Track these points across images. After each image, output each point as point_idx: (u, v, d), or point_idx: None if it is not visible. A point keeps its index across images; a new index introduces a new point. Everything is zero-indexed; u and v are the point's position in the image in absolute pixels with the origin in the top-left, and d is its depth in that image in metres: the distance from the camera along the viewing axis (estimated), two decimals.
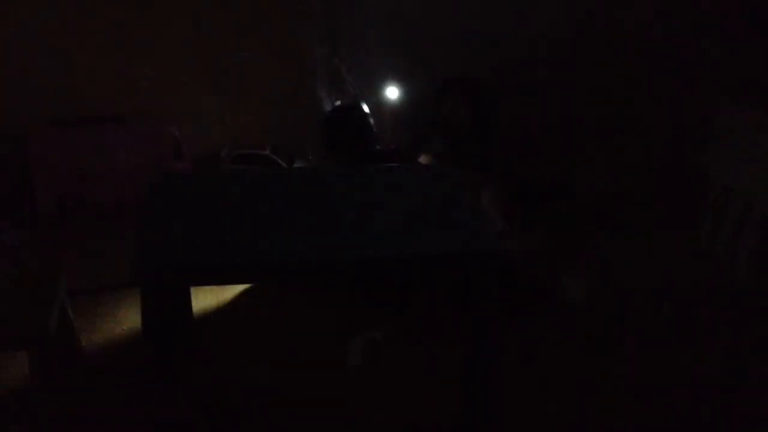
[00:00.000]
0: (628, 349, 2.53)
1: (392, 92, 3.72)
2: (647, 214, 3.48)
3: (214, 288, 3.04)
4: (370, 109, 3.60)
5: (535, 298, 2.98)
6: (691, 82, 3.70)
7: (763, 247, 2.42)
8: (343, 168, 3.13)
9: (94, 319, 2.84)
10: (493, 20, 3.66)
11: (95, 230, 3.44)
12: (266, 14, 3.63)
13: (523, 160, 3.72)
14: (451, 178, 2.34)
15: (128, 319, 2.84)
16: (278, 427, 2.36)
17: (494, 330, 1.96)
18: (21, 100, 3.53)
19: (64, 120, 3.54)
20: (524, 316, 2.88)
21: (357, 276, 2.99)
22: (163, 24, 3.56)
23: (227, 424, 2.35)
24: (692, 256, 2.56)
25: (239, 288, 3.07)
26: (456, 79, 3.63)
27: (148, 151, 3.54)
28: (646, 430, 2.37)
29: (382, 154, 3.53)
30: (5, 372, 2.50)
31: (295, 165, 3.64)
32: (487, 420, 2.04)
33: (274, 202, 2.15)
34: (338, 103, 3.68)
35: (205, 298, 2.98)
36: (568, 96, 3.77)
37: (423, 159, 3.54)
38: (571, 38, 3.69)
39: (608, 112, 3.78)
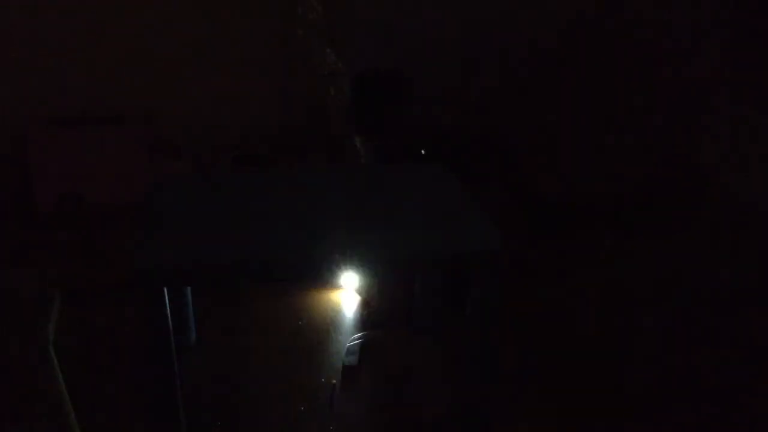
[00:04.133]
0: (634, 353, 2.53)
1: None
2: (646, 216, 3.49)
3: (214, 288, 3.04)
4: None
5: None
6: (688, 81, 3.70)
7: (764, 247, 2.42)
8: (343, 168, 3.12)
9: (94, 320, 2.84)
10: (490, 14, 3.64)
11: (95, 230, 3.44)
12: (266, 13, 3.63)
13: (518, 164, 3.71)
14: (451, 178, 2.34)
15: (128, 319, 2.84)
16: (277, 427, 2.36)
17: (494, 330, 1.96)
18: (21, 100, 3.53)
19: (64, 120, 3.54)
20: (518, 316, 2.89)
21: (357, 276, 2.99)
22: (162, 23, 3.56)
23: (224, 423, 2.35)
24: (692, 258, 2.56)
25: (239, 288, 3.07)
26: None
27: (148, 151, 3.54)
28: (645, 430, 2.37)
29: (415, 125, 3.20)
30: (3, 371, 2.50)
31: (296, 165, 3.64)
32: (486, 421, 2.04)
33: (274, 202, 2.15)
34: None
35: (206, 298, 2.98)
36: (563, 96, 3.77)
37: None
38: (568, 36, 3.68)
39: (605, 113, 3.78)
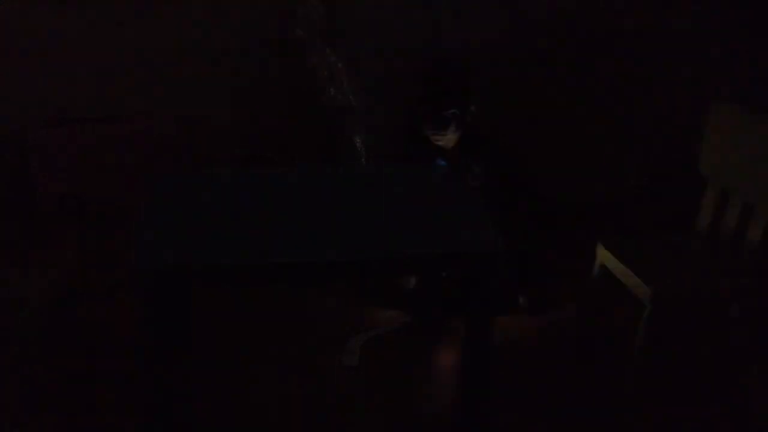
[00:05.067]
0: (620, 354, 2.53)
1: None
2: (646, 217, 3.49)
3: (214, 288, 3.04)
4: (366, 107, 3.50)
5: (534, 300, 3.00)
6: (686, 81, 3.70)
7: (764, 247, 2.42)
8: (343, 168, 3.12)
9: (94, 319, 2.84)
10: (487, 15, 3.63)
11: (95, 230, 3.44)
12: (265, 12, 3.62)
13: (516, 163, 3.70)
14: (451, 179, 2.34)
15: (128, 319, 2.84)
16: (276, 427, 2.37)
17: (494, 330, 1.96)
18: (21, 100, 3.53)
19: (64, 120, 3.54)
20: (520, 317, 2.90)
21: (357, 276, 2.99)
22: (162, 23, 3.56)
23: (224, 423, 2.35)
24: (692, 258, 2.56)
25: (239, 288, 3.07)
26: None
27: (148, 151, 3.53)
28: (644, 429, 2.37)
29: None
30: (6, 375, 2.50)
31: (295, 165, 3.63)
32: (485, 421, 2.04)
33: (275, 202, 2.15)
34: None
35: (205, 298, 2.98)
36: (562, 98, 3.76)
37: None
38: (567, 37, 3.68)
39: (604, 115, 3.78)
